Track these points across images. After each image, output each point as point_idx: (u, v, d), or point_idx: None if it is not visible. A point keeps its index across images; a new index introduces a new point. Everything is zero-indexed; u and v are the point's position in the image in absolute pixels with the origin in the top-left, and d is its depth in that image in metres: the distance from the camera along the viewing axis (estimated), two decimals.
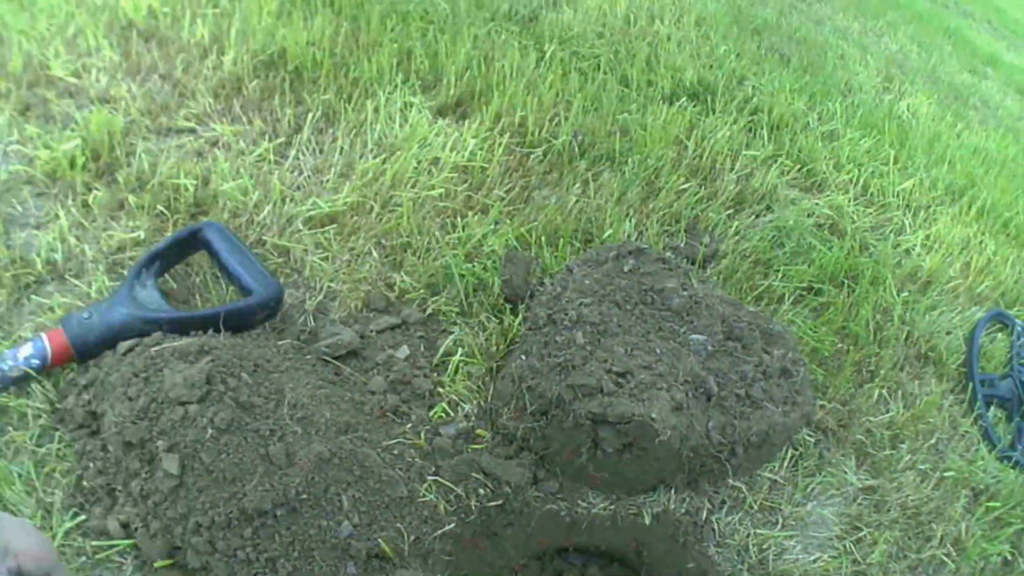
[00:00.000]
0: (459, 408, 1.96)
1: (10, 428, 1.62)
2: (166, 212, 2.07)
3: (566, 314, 1.98)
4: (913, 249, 3.12)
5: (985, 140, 4.63)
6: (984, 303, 3.07)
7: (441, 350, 2.04)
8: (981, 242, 3.38)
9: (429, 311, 2.13)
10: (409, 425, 1.86)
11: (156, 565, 1.50)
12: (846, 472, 2.21)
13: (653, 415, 1.73)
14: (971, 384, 2.65)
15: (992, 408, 2.67)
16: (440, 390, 1.97)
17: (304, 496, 1.53)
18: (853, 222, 3.07)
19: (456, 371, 2.01)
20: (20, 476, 1.56)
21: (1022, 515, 2.32)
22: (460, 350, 2.05)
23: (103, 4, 2.65)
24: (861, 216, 3.15)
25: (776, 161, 3.19)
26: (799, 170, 3.22)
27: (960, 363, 2.74)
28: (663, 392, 1.80)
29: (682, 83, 3.43)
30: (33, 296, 1.82)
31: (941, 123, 4.49)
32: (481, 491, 1.81)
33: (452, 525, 1.74)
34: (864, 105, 4.05)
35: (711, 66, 3.68)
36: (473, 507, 1.78)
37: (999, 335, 2.96)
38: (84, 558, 1.50)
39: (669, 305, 2.06)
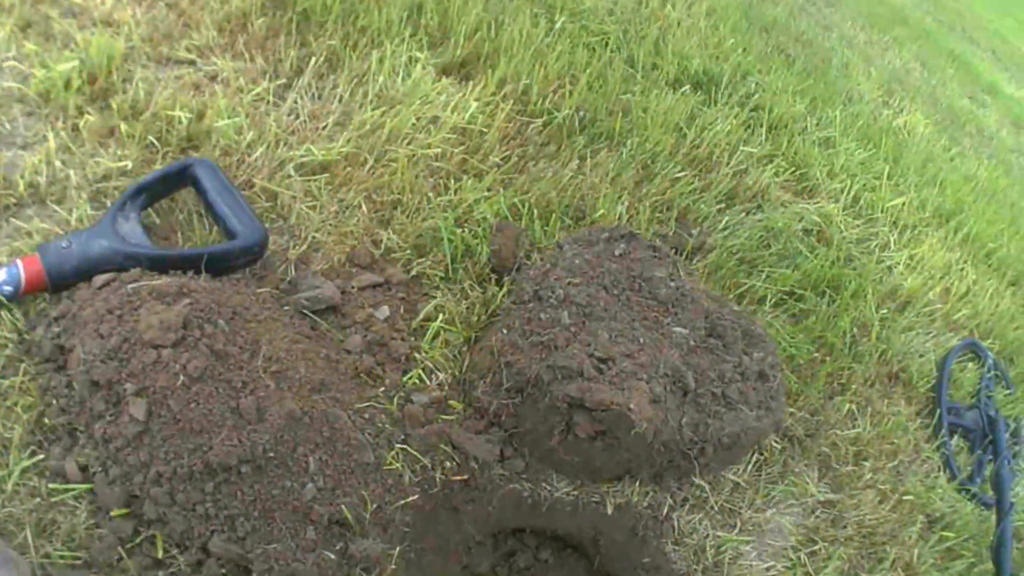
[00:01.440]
0: (433, 376, 1.93)
1: None
2: (156, 144, 2.01)
3: (553, 292, 1.95)
4: (896, 267, 3.12)
5: (977, 168, 4.66)
6: (960, 331, 3.08)
7: (421, 314, 2.01)
8: (963, 269, 3.39)
9: (413, 272, 2.09)
10: (382, 389, 1.82)
11: (112, 513, 1.45)
12: (808, 483, 2.20)
13: (632, 406, 1.71)
14: (938, 411, 2.66)
15: (956, 437, 2.68)
16: (416, 355, 1.94)
17: (271, 455, 1.49)
18: (840, 232, 3.06)
19: (435, 337, 1.98)
20: None
21: (974, 549, 2.34)
22: (441, 316, 2.01)
23: None
24: (849, 227, 3.14)
25: (772, 161, 3.18)
26: (793, 173, 3.21)
27: (929, 388, 2.75)
28: (643, 383, 1.78)
29: (687, 71, 3.41)
30: (12, 219, 1.75)
31: (936, 145, 4.51)
32: (447, 464, 1.79)
33: (415, 496, 1.71)
34: (863, 116, 4.05)
35: (717, 57, 3.66)
36: (438, 480, 1.75)
37: (970, 364, 2.97)
38: (38, 499, 1.44)
39: (656, 294, 2.04)
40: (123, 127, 1.99)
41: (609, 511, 1.88)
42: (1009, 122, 6.49)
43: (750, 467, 2.14)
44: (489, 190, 2.35)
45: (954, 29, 8.68)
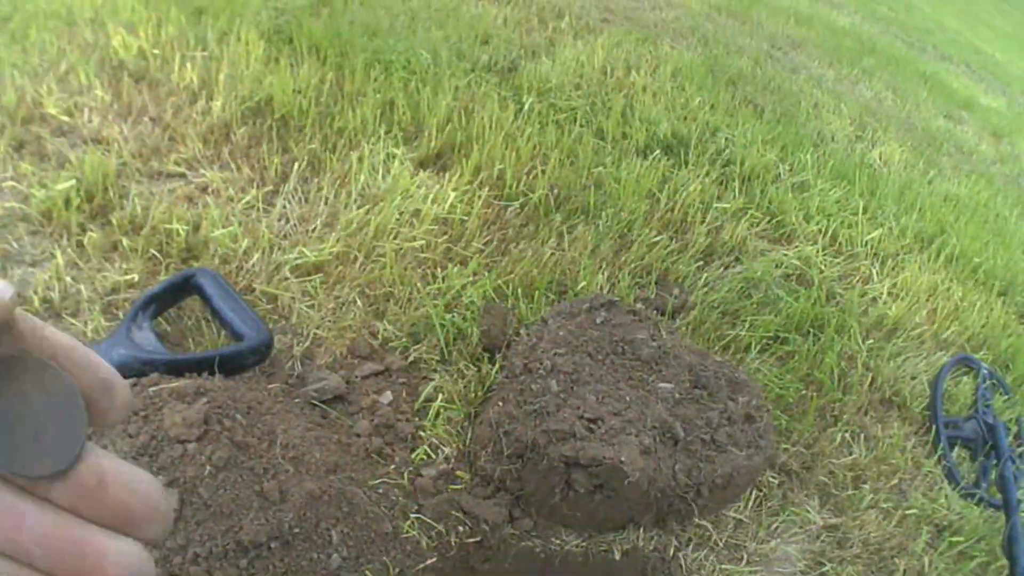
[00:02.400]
0: (439, 450, 2.05)
1: None
2: (159, 256, 2.16)
3: (541, 363, 2.08)
4: (880, 297, 3.21)
5: (957, 187, 4.73)
6: (950, 348, 3.15)
7: (422, 396, 2.13)
8: (948, 288, 3.46)
9: (411, 359, 2.21)
10: (393, 466, 1.95)
11: None
12: (809, 511, 2.28)
13: (623, 459, 1.83)
14: (935, 426, 2.73)
15: (956, 449, 2.74)
16: (422, 434, 2.06)
17: (296, 530, 1.62)
18: (821, 272, 3.16)
19: (437, 416, 2.10)
20: None
21: (985, 548, 2.39)
22: (440, 396, 2.14)
23: (94, 42, 2.76)
24: (829, 266, 3.24)
25: (746, 213, 3.28)
26: (769, 222, 3.32)
27: (924, 407, 2.82)
28: (632, 437, 1.91)
29: (656, 136, 3.53)
30: None
31: (913, 170, 4.60)
32: (460, 528, 1.90)
33: (434, 559, 1.83)
34: (835, 155, 4.16)
35: (685, 118, 3.78)
36: (453, 543, 1.87)
37: (964, 378, 3.04)
38: None
39: (639, 355, 2.16)
40: (125, 242, 2.14)
41: (617, 557, 1.99)
42: (988, 134, 6.57)
43: (750, 503, 2.23)
44: (474, 274, 2.47)
45: (925, 50, 8.78)
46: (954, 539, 2.38)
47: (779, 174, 3.69)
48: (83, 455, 0.45)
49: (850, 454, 2.49)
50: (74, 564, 0.43)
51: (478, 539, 1.90)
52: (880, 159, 4.55)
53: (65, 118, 2.43)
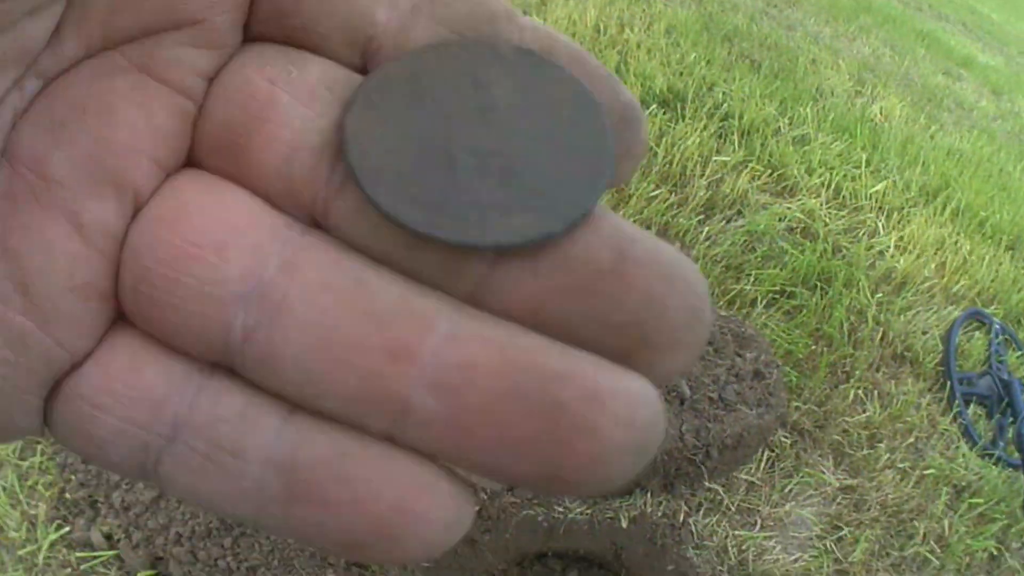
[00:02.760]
0: None
1: None
2: None
3: None
4: (887, 251, 3.13)
5: (960, 141, 4.65)
6: (960, 302, 3.07)
7: None
8: (956, 242, 3.39)
9: None
10: None
11: (139, 575, 1.50)
12: (824, 472, 2.21)
13: None
14: (949, 383, 2.65)
15: (972, 406, 2.67)
16: None
17: None
18: (825, 225, 3.08)
19: None
20: (4, 489, 1.56)
21: (1006, 511, 2.32)
22: None
23: None
24: (834, 219, 3.16)
25: (747, 166, 3.19)
26: (770, 175, 3.22)
27: (937, 362, 2.74)
28: None
29: (652, 91, 3.43)
30: None
31: (914, 125, 4.51)
32: None
33: None
34: (835, 109, 4.06)
35: (681, 73, 3.68)
36: None
37: (976, 333, 2.97)
38: (69, 569, 1.50)
39: None
40: None
41: (624, 525, 1.90)
42: (988, 91, 6.49)
43: (762, 465, 2.15)
44: None
45: (921, 9, 8.68)
46: (974, 500, 2.32)
47: (779, 128, 3.59)
48: (593, 212, 0.25)
49: (864, 412, 2.41)
50: (542, 422, 0.23)
51: (477, 508, 1.80)
52: (881, 113, 4.46)
53: None
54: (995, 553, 2.23)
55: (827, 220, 3.12)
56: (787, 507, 2.10)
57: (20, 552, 1.50)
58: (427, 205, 0.25)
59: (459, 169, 0.26)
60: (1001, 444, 2.56)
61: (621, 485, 0.26)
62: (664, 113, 3.30)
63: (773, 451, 2.19)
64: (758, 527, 2.03)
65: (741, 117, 3.47)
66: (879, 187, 3.46)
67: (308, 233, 0.26)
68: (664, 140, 3.08)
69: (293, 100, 0.27)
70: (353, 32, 0.27)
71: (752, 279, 2.61)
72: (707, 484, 2.02)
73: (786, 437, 2.23)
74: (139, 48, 0.26)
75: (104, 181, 0.25)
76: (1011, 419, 2.65)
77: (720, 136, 3.33)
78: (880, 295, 2.85)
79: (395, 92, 0.27)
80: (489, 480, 0.25)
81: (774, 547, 2.01)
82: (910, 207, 3.49)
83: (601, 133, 0.27)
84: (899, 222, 3.33)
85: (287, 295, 0.25)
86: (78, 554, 1.51)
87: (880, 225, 3.26)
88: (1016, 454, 2.50)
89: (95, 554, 1.51)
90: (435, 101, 0.27)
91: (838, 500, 2.18)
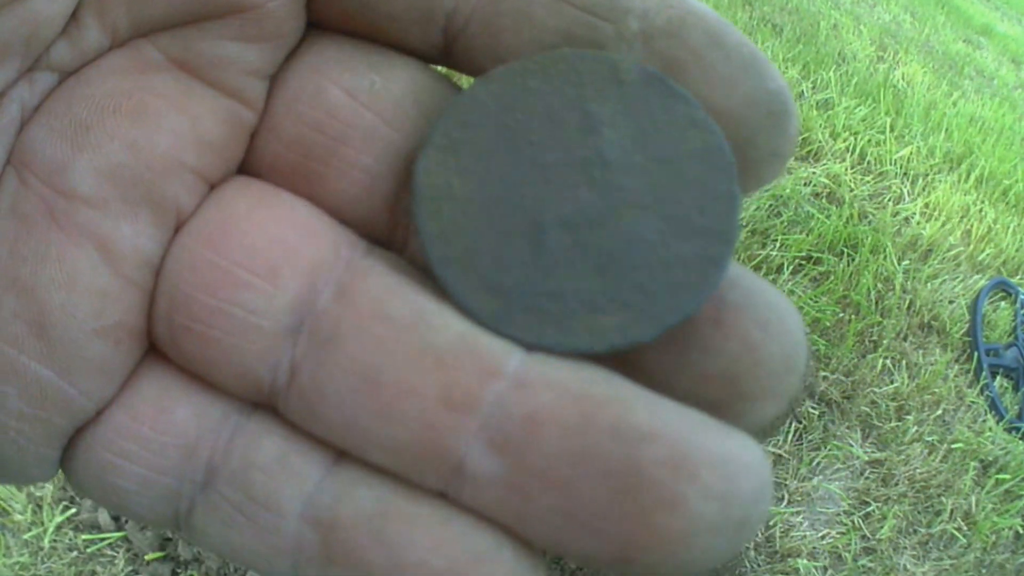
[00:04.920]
0: None
1: None
2: None
3: None
4: (912, 217, 3.06)
5: (981, 109, 4.59)
6: (986, 271, 3.01)
7: None
8: (981, 210, 3.33)
9: None
10: None
11: (147, 557, 1.46)
12: (852, 445, 2.15)
13: None
14: (976, 354, 2.59)
15: (998, 378, 2.61)
16: None
17: None
18: (851, 190, 3.01)
19: None
20: None
21: None
22: None
23: None
24: (859, 184, 3.09)
25: None
26: None
27: (964, 332, 2.69)
28: None
29: None
30: None
31: (937, 92, 4.45)
32: None
33: None
34: (858, 74, 3.99)
35: None
36: None
37: (1002, 303, 2.91)
38: (76, 552, 1.45)
39: None
40: None
41: None
42: (1008, 60, 6.44)
43: (790, 437, 2.09)
44: None
45: None
46: (1000, 476, 2.26)
47: (802, 92, 3.53)
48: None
49: (891, 382, 2.36)
50: (616, 491, 0.19)
51: None
52: (903, 79, 4.39)
53: None
54: (1021, 531, 2.18)
55: (852, 185, 3.05)
56: (815, 481, 2.04)
57: (25, 536, 1.46)
58: (502, 292, 0.21)
59: (547, 248, 0.21)
60: None
61: (710, 570, 0.22)
62: None
63: (800, 422, 2.13)
64: (785, 502, 1.97)
65: None
66: (903, 152, 3.40)
67: (370, 254, 0.23)
68: None
69: (377, 119, 0.23)
70: (428, 7, 0.22)
71: (778, 244, 2.54)
72: None
73: (814, 408, 2.17)
74: (177, 39, 0.22)
75: (139, 198, 0.21)
76: None
77: None
78: (907, 262, 2.78)
79: (482, 129, 0.22)
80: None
81: (801, 523, 1.95)
82: (934, 173, 3.43)
83: (729, 205, 0.21)
84: (924, 188, 3.27)
85: (339, 327, 0.21)
86: (84, 536, 1.46)
87: (905, 191, 3.19)
88: None
89: (102, 536, 1.47)
90: (531, 146, 0.22)
91: (866, 474, 2.12)
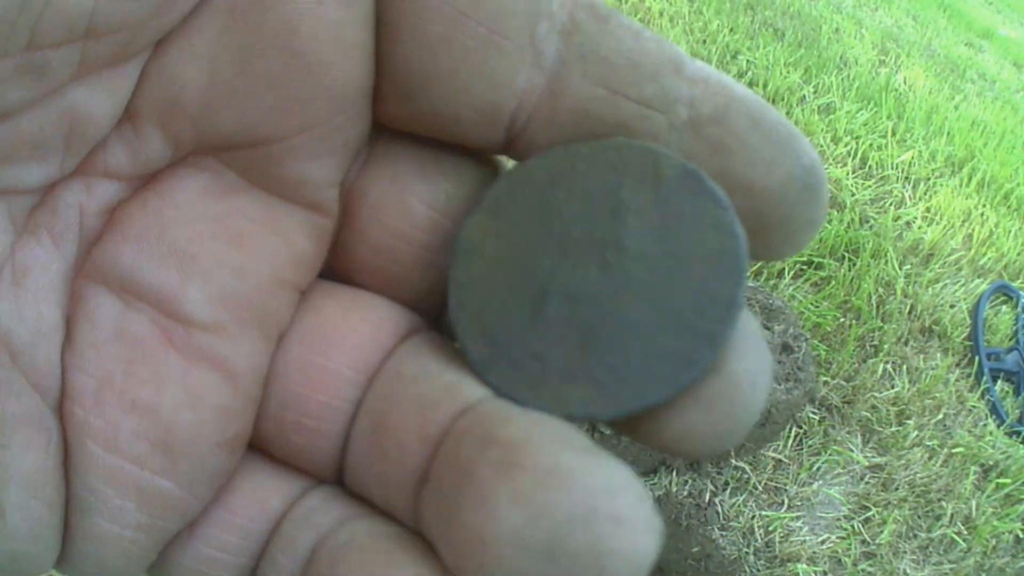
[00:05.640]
0: None
1: None
2: None
3: None
4: (914, 222, 3.07)
5: (983, 112, 4.58)
6: (987, 275, 3.01)
7: None
8: (983, 214, 3.32)
9: None
10: None
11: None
12: (852, 450, 2.15)
13: None
14: (977, 358, 2.59)
15: (999, 382, 2.62)
16: None
17: None
18: (852, 195, 3.01)
19: None
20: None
21: None
22: None
23: None
24: (860, 189, 3.09)
25: None
26: None
27: (965, 337, 2.69)
28: None
29: None
30: None
31: (938, 95, 4.44)
32: None
33: None
34: (860, 78, 3.99)
35: (704, 41, 3.63)
36: None
37: (1003, 307, 2.90)
38: None
39: None
40: None
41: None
42: (1009, 63, 6.43)
43: (790, 442, 2.09)
44: None
45: None
46: (1001, 481, 2.26)
47: (804, 96, 3.53)
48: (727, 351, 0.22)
49: (892, 387, 2.36)
50: None
51: None
52: (905, 83, 4.40)
53: None
54: (1020, 535, 2.18)
55: (854, 190, 3.05)
56: (815, 486, 2.05)
57: None
58: (495, 342, 0.23)
59: (545, 314, 0.23)
60: None
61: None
62: None
63: (801, 427, 2.13)
64: (785, 507, 1.98)
65: (765, 85, 3.40)
66: (905, 157, 3.39)
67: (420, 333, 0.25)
68: None
69: (452, 224, 0.24)
70: (492, 110, 0.23)
71: None
72: (734, 462, 1.97)
73: (814, 413, 2.18)
74: (249, 159, 0.23)
75: (250, 320, 0.23)
76: None
77: None
78: (908, 267, 2.78)
79: (524, 200, 0.24)
80: None
81: (801, 528, 1.96)
82: (936, 178, 3.43)
83: (726, 312, 0.22)
84: (925, 193, 3.27)
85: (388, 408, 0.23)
86: None
87: (906, 195, 3.19)
88: None
89: None
90: (561, 221, 0.23)
91: (866, 479, 2.13)
